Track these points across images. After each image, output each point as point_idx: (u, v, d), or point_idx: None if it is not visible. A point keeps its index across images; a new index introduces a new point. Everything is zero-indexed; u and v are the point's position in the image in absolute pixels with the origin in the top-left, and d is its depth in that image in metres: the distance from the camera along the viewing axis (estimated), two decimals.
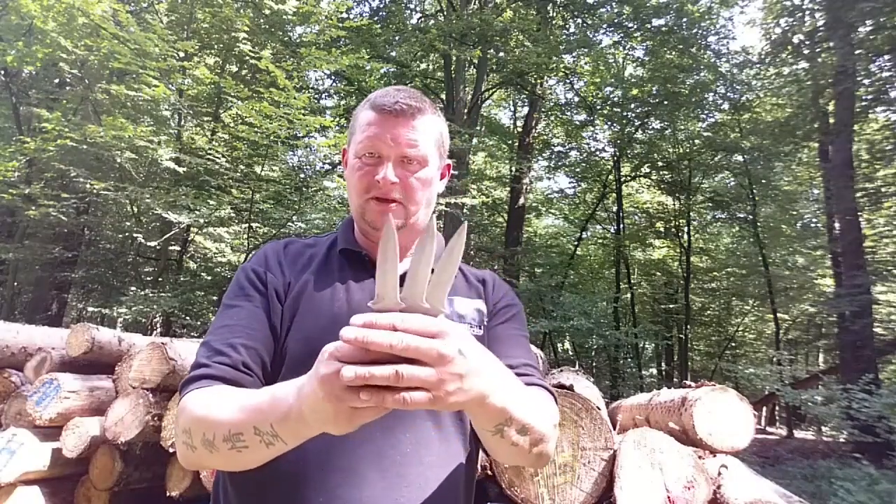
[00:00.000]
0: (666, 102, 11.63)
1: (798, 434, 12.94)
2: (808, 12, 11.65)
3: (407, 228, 0.94)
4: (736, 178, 13.24)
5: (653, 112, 12.32)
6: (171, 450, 2.29)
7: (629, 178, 14.15)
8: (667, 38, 11.54)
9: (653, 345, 14.98)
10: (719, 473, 1.55)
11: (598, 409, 1.71)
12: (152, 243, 7.62)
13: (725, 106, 12.38)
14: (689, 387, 1.88)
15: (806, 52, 11.33)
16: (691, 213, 13.71)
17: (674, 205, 14.40)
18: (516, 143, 13.95)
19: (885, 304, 12.06)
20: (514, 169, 13.38)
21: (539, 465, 0.89)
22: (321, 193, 9.74)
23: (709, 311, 15.77)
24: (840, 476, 5.66)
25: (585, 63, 13.11)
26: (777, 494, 1.49)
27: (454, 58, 10.80)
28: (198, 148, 7.73)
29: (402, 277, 0.60)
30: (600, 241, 15.56)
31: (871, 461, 5.92)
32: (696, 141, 12.97)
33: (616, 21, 11.86)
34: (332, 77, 12.09)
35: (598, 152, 14.12)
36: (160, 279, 8.58)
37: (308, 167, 11.92)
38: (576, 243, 14.12)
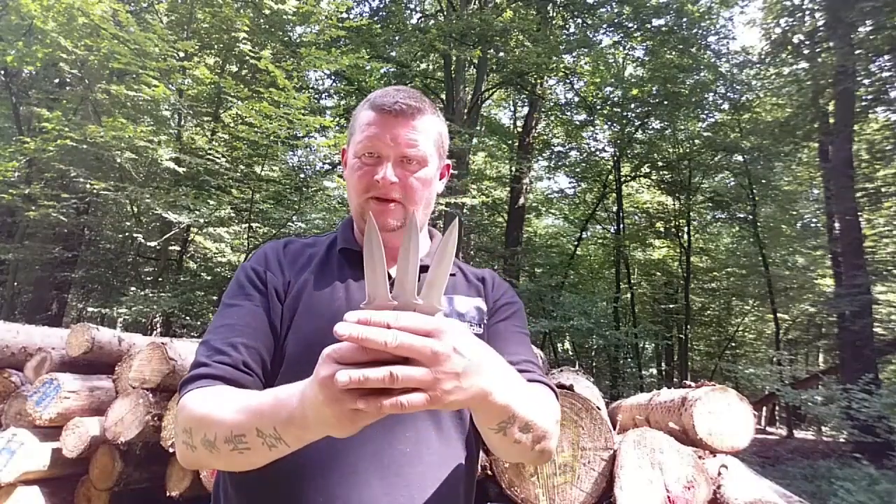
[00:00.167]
0: (666, 102, 11.63)
1: (798, 434, 12.93)
2: (808, 12, 11.65)
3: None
4: (736, 178, 13.23)
5: (653, 112, 12.31)
6: (171, 450, 2.29)
7: (629, 178, 14.15)
8: (667, 38, 11.53)
9: (653, 345, 14.97)
10: (719, 473, 1.55)
11: (598, 409, 1.71)
12: (152, 243, 7.62)
13: (725, 106, 12.38)
14: (689, 387, 1.88)
15: (806, 52, 11.33)
16: (691, 213, 13.71)
17: (674, 205, 14.41)
18: (516, 143, 13.95)
19: (885, 304, 12.06)
20: (514, 169, 13.38)
21: (541, 462, 0.89)
22: (321, 193, 9.74)
23: (709, 311, 15.77)
24: (840, 476, 5.66)
25: (585, 63, 13.11)
26: (777, 494, 1.49)
27: (454, 58, 10.80)
28: (198, 148, 7.73)
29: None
30: (600, 241, 15.56)
31: (871, 461, 5.92)
32: (696, 141, 12.97)
33: (616, 21, 11.86)
34: (332, 77, 12.09)
35: (598, 152, 14.13)
36: (160, 279, 8.58)
37: (308, 167, 11.92)
38: (576, 243, 14.13)
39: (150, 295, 7.33)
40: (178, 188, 7.33)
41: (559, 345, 14.90)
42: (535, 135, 14.14)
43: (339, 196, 9.55)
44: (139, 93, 6.63)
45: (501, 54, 11.38)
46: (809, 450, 9.29)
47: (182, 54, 7.28)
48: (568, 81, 13.88)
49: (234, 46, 7.47)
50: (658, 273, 15.36)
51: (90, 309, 12.22)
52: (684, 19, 11.37)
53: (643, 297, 15.76)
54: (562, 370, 2.71)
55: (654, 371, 16.00)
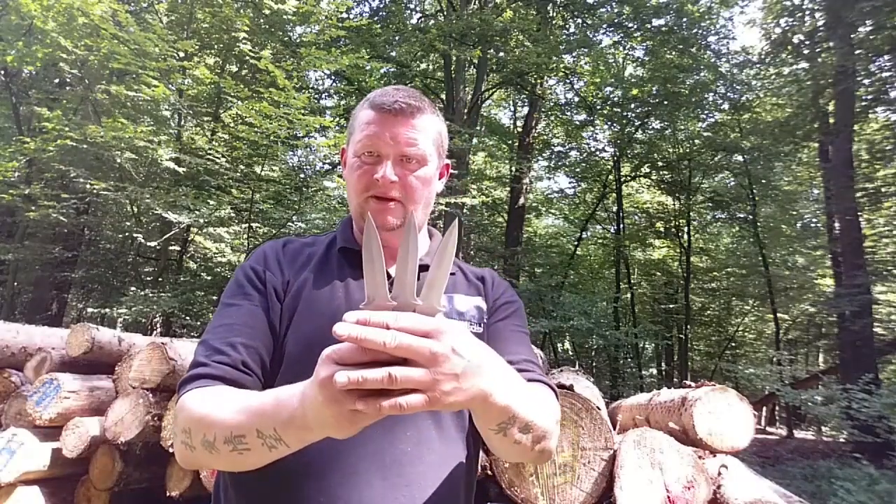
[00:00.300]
0: (666, 102, 11.63)
1: (798, 434, 12.93)
2: (808, 12, 11.65)
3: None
4: (736, 178, 13.24)
5: (653, 112, 12.31)
6: (171, 450, 2.29)
7: (629, 178, 14.15)
8: (667, 38, 11.53)
9: (653, 345, 14.97)
10: (719, 473, 1.55)
11: (598, 409, 1.71)
12: (152, 243, 7.62)
13: (725, 106, 12.37)
14: (689, 387, 1.88)
15: (806, 52, 11.33)
16: (691, 213, 13.71)
17: (674, 205, 14.41)
18: (516, 143, 13.95)
19: (885, 304, 12.07)
20: (514, 169, 13.38)
21: (541, 461, 0.89)
22: (321, 193, 9.74)
23: (709, 311, 15.77)
24: (840, 476, 5.66)
25: (585, 63, 13.10)
26: (777, 494, 1.49)
27: (454, 58, 10.80)
28: (198, 148, 7.73)
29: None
30: (600, 241, 15.56)
31: (871, 461, 5.92)
32: (696, 141, 12.97)
33: (616, 21, 11.85)
34: (332, 77, 12.09)
35: (598, 152, 14.13)
36: (160, 279, 8.57)
37: (308, 167, 11.92)
38: (576, 243, 14.13)
39: (150, 295, 7.32)
40: (178, 188, 7.33)
41: (559, 345, 14.90)
42: (535, 135, 14.14)
43: (338, 196, 9.55)
44: (139, 93, 6.63)
45: (501, 54, 11.38)
46: (809, 450, 9.29)
47: (182, 54, 7.28)
48: (568, 81, 13.88)
49: (234, 46, 7.47)
50: (658, 273, 15.36)
51: (90, 309, 12.22)
52: (684, 19, 11.37)
53: (643, 297, 15.76)
54: (562, 370, 2.71)
55: (654, 371, 16.00)
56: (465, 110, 11.16)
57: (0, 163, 7.39)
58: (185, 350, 2.49)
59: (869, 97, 10.25)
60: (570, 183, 15.70)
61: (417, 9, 13.97)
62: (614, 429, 1.76)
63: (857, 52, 9.51)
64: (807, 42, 11.29)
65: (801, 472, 6.69)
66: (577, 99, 13.96)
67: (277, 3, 7.25)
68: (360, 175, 0.93)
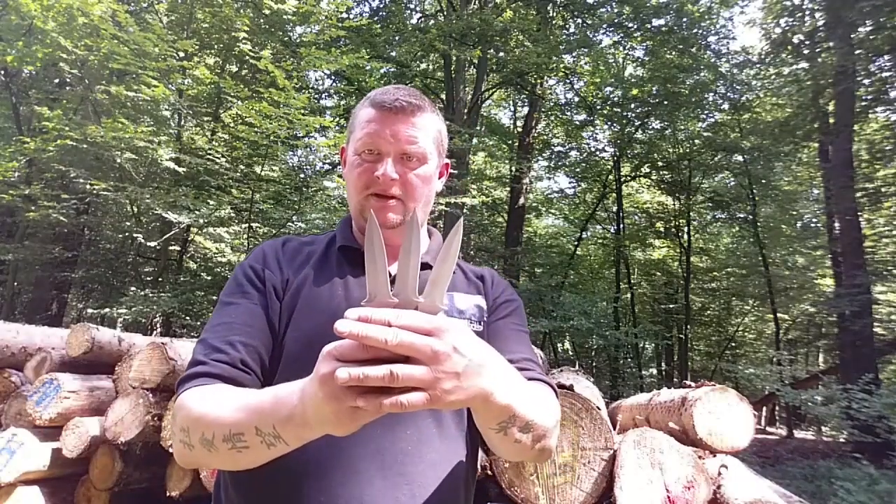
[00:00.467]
0: (666, 102, 11.63)
1: (798, 434, 12.93)
2: (808, 12, 11.66)
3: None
4: (736, 178, 13.24)
5: (653, 112, 12.31)
6: (170, 450, 2.28)
7: (629, 178, 14.15)
8: (667, 38, 11.54)
9: (653, 345, 14.97)
10: (719, 473, 1.54)
11: (598, 409, 1.71)
12: (152, 243, 7.62)
13: (725, 106, 12.38)
14: (689, 387, 1.88)
15: (806, 52, 11.33)
16: (691, 213, 13.72)
17: (674, 205, 14.41)
18: (516, 143, 13.95)
19: (885, 304, 12.07)
20: (514, 169, 13.38)
21: (541, 460, 0.89)
22: (321, 193, 9.74)
23: (709, 311, 15.77)
24: (840, 476, 5.66)
25: (585, 63, 13.11)
26: (777, 494, 1.49)
27: (454, 58, 10.80)
28: (198, 148, 7.73)
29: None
30: (600, 241, 15.57)
31: (871, 461, 5.92)
32: (696, 141, 12.97)
33: (616, 21, 11.85)
34: (332, 77, 12.09)
35: (598, 152, 14.13)
36: (160, 279, 8.57)
37: (308, 167, 11.93)
38: (576, 243, 14.13)
39: (150, 295, 7.32)
40: (178, 188, 7.33)
41: (559, 345, 14.90)
42: (535, 135, 14.14)
43: (338, 196, 9.54)
44: (139, 93, 6.63)
45: (501, 54, 11.38)
46: (809, 450, 9.29)
47: (182, 54, 7.28)
48: (568, 81, 13.88)
49: (234, 46, 7.47)
50: (658, 273, 15.36)
51: (90, 309, 12.20)
52: (684, 19, 11.38)
53: (643, 297, 15.76)
54: (562, 370, 2.71)
55: (654, 371, 16.00)
56: (465, 110, 11.16)
57: (0, 163, 7.39)
58: (184, 350, 2.49)
59: (869, 97, 10.26)
60: (570, 183, 15.73)
61: (417, 9, 13.97)
62: (614, 429, 1.76)
63: (857, 52, 9.51)
64: (807, 42, 11.29)
65: (801, 472, 6.69)
66: (577, 99, 13.97)
67: (277, 3, 7.25)
68: (361, 173, 0.93)
